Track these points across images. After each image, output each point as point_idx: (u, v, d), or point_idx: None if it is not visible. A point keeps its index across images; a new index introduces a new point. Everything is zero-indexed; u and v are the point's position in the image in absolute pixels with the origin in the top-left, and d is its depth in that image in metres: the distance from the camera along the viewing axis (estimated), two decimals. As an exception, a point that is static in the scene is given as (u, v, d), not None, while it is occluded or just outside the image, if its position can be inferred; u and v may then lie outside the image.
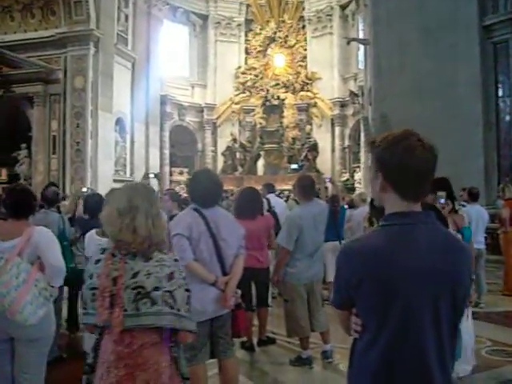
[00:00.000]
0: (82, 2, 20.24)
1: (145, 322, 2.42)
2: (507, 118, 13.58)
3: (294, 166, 26.86)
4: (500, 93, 13.31)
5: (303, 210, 5.58)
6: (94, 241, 4.69)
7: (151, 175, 10.21)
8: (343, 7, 28.90)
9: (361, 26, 25.83)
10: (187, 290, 2.55)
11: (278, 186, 24.77)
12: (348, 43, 22.12)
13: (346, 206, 9.59)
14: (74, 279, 5.09)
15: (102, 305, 2.39)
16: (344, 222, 8.69)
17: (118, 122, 22.68)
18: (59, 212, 6.55)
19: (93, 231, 4.84)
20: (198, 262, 3.83)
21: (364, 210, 9.28)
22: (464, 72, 13.58)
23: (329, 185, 9.83)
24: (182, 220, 3.98)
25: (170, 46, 28.94)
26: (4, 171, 22.04)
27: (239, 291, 4.07)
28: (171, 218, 5.42)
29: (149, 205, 2.58)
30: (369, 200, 11.30)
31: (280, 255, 5.60)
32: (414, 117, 14.47)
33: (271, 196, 9.16)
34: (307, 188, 5.66)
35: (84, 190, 13.53)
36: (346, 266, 1.85)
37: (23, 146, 20.96)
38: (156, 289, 2.41)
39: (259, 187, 8.48)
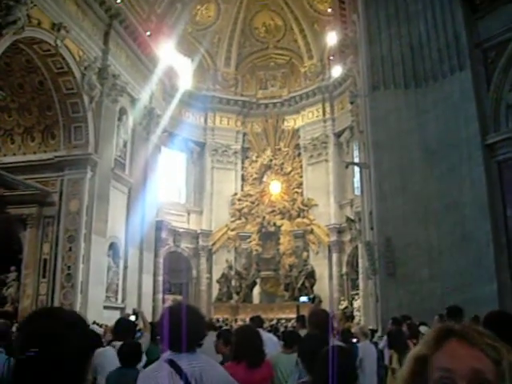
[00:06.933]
0: (82, 126, 20.59)
1: None
2: (518, 238, 13.01)
3: (304, 299, 25.54)
4: (509, 212, 12.90)
5: None
6: None
7: (132, 317, 9.04)
8: (338, 135, 29.66)
9: (356, 153, 26.16)
10: None
11: (275, 315, 24.01)
12: (347, 167, 22.24)
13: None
14: None
15: None
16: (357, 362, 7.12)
17: (112, 246, 22.16)
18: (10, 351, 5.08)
19: None
20: None
21: (366, 345, 8.09)
22: (469, 192, 13.29)
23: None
24: (152, 378, 2.84)
25: (167, 171, 29.21)
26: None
27: None
28: None
29: None
30: (383, 336, 10.34)
31: None
32: (420, 241, 14.01)
33: (260, 331, 8.09)
34: (324, 325, 4.62)
35: None
36: None
37: (12, 268, 20.23)
38: None
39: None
